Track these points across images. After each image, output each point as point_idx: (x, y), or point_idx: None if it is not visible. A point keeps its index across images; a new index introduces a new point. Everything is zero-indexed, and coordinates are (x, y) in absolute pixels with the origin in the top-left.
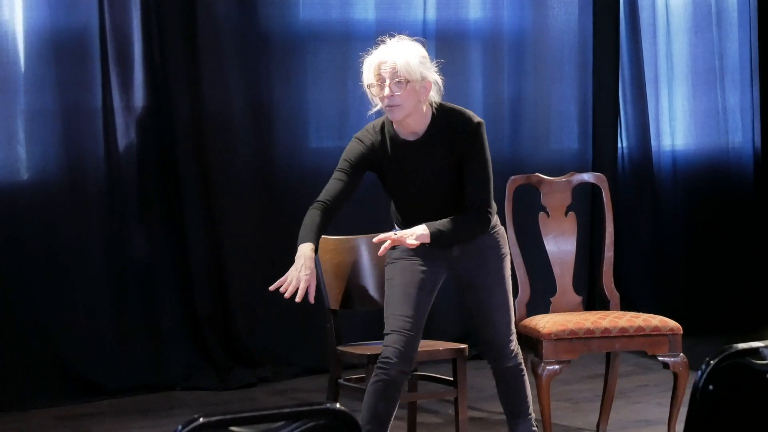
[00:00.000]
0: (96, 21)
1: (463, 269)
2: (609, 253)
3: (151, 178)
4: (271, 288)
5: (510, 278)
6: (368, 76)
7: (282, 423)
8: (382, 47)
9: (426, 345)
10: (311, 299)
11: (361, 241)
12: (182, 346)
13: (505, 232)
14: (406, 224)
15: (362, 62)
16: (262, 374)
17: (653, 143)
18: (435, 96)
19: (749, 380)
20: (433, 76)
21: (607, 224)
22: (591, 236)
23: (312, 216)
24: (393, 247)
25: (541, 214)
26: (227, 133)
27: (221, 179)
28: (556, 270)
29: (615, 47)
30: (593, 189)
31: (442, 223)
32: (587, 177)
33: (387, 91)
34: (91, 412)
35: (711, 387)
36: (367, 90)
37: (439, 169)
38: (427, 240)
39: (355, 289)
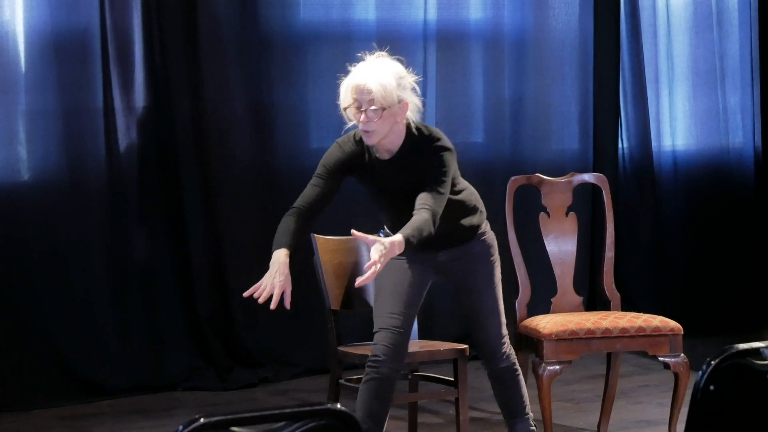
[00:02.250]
0: (97, 21)
1: (452, 274)
2: (610, 254)
3: (151, 179)
4: (245, 294)
5: (500, 282)
6: (345, 98)
7: (283, 423)
8: (359, 68)
9: (427, 345)
10: (287, 305)
11: (362, 242)
12: (183, 347)
13: (494, 236)
14: (391, 226)
15: (339, 84)
16: (262, 374)
17: (654, 143)
18: (412, 115)
19: (750, 380)
20: (411, 97)
21: (607, 225)
22: (591, 237)
23: (286, 222)
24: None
25: (542, 215)
26: (228, 134)
27: (222, 179)
28: (557, 270)
29: (616, 48)
30: (594, 189)
31: (410, 228)
32: (588, 177)
33: (363, 117)
34: (91, 412)
35: (712, 387)
36: (343, 112)
37: (411, 186)
38: (403, 248)
39: (355, 289)
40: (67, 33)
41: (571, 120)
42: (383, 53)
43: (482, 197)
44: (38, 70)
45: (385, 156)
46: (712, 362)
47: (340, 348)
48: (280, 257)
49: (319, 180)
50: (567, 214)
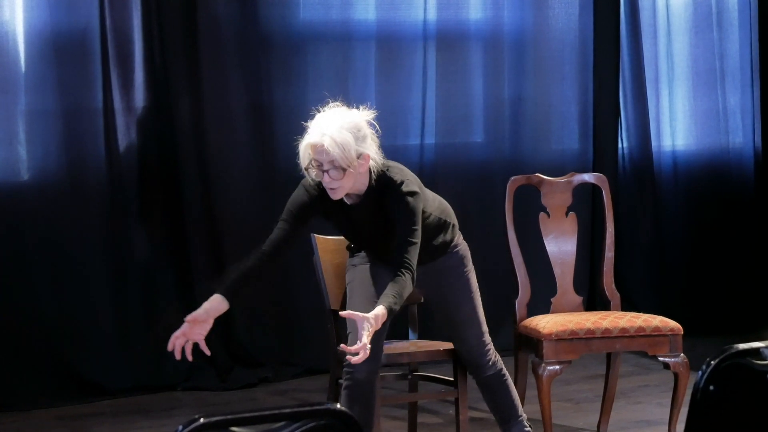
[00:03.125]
0: (97, 21)
1: (426, 288)
2: (609, 254)
3: (151, 179)
4: (168, 348)
5: (477, 292)
6: (304, 159)
7: (283, 423)
8: (314, 127)
9: (426, 345)
10: (205, 350)
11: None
12: (183, 346)
13: (467, 248)
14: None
15: (302, 140)
16: (262, 374)
17: (654, 143)
18: (377, 161)
19: (750, 380)
20: (371, 147)
21: (607, 224)
22: (591, 236)
23: (246, 263)
24: (352, 255)
25: (542, 215)
26: (228, 134)
27: (222, 179)
28: (557, 270)
29: (615, 47)
30: (594, 189)
31: (391, 295)
32: (588, 177)
33: (326, 177)
34: (91, 412)
35: (712, 387)
36: (305, 172)
37: (378, 226)
38: (386, 317)
39: None
40: (66, 33)
41: (571, 120)
42: (338, 103)
43: (482, 197)
44: (38, 70)
45: (350, 201)
46: (712, 362)
47: (340, 348)
48: (212, 305)
49: (284, 224)
50: (567, 214)
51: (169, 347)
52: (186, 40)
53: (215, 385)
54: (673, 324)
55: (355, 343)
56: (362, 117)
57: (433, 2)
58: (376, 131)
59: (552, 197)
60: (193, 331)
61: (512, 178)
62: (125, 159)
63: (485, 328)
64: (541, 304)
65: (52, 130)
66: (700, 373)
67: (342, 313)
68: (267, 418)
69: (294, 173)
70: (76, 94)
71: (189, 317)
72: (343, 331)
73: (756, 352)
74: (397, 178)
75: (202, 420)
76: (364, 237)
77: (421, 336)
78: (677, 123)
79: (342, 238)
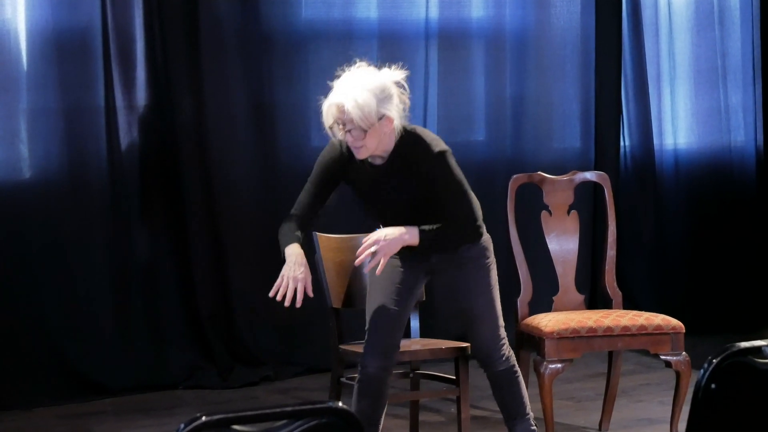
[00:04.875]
0: (98, 20)
1: (445, 277)
2: (611, 252)
3: (153, 177)
4: (271, 294)
5: (497, 285)
6: (327, 118)
7: (284, 422)
8: (338, 87)
9: (428, 344)
10: (310, 293)
11: (363, 240)
12: (184, 345)
13: (490, 239)
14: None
15: (320, 105)
16: (263, 373)
17: (655, 142)
18: (399, 124)
19: (751, 379)
20: (393, 110)
21: (609, 223)
22: (593, 235)
23: (288, 226)
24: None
25: (544, 213)
26: (229, 132)
27: (223, 178)
28: (559, 269)
29: (617, 46)
30: (595, 188)
31: (431, 227)
32: (589, 176)
33: (349, 136)
34: (93, 411)
35: (713, 386)
36: (329, 131)
37: (402, 192)
38: (416, 241)
39: (357, 287)
40: (68, 31)
41: (573, 118)
42: (363, 63)
43: (484, 196)
44: (40, 68)
45: (378, 162)
46: (714, 361)
47: (342, 346)
48: (294, 249)
49: (312, 186)
50: (569, 212)
51: (287, 301)
52: (188, 38)
53: (217, 383)
54: (674, 322)
55: (371, 339)
56: (390, 77)
57: (435, 1)
58: (405, 91)
59: (554, 196)
60: (307, 273)
61: (514, 176)
62: (127, 157)
63: (501, 322)
64: (542, 302)
65: (53, 129)
66: (701, 371)
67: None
68: (268, 417)
69: (296, 171)
70: (77, 92)
71: (300, 261)
72: (344, 329)
73: (757, 351)
74: (426, 138)
75: (203, 418)
76: (386, 202)
77: (423, 334)
78: (679, 121)
79: (343, 236)
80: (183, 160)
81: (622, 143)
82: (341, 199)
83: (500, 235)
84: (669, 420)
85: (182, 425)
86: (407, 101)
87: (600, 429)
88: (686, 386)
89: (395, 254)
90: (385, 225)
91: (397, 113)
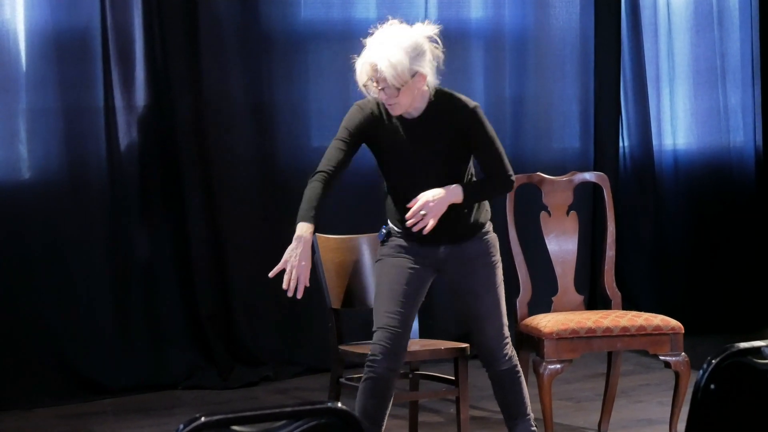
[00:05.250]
0: (98, 20)
1: (451, 274)
2: (610, 253)
3: (152, 177)
4: (271, 275)
5: (502, 284)
6: (361, 77)
7: (283, 422)
8: (371, 44)
9: (427, 344)
10: (306, 283)
11: (363, 240)
12: (184, 345)
13: (496, 238)
14: (401, 211)
15: (355, 62)
16: (263, 373)
17: (655, 142)
18: (432, 80)
19: (751, 379)
20: (426, 66)
21: (608, 223)
22: (592, 235)
23: (314, 189)
24: (383, 243)
25: (543, 214)
26: (229, 132)
27: (223, 178)
28: (558, 269)
29: (616, 46)
30: (595, 188)
31: (472, 183)
32: (589, 176)
33: (382, 94)
34: (92, 411)
35: (712, 386)
36: (363, 88)
37: (435, 147)
38: (460, 198)
39: (356, 288)
40: (67, 32)
41: (572, 119)
42: (396, 21)
43: None
44: (39, 68)
45: (410, 116)
46: (713, 361)
47: (341, 347)
48: (305, 233)
49: (342, 143)
50: (568, 212)
51: (290, 291)
52: (187, 38)
53: (216, 383)
54: (674, 323)
55: (381, 341)
56: (423, 33)
57: (434, 1)
58: (438, 45)
59: (553, 196)
60: (308, 267)
61: None
62: (126, 158)
63: (506, 321)
64: (542, 303)
65: (53, 129)
66: (701, 371)
67: (409, 219)
68: (268, 417)
69: (295, 171)
70: (77, 92)
71: (305, 254)
72: (344, 329)
73: (757, 351)
74: (459, 95)
75: (203, 419)
76: (418, 158)
77: (422, 335)
78: (678, 122)
79: (343, 236)
80: (182, 160)
81: (621, 144)
82: (341, 199)
83: (500, 235)
84: (668, 420)
85: (182, 425)
86: (440, 55)
87: (599, 429)
88: (685, 387)
89: (402, 251)
90: (414, 187)
91: (430, 69)
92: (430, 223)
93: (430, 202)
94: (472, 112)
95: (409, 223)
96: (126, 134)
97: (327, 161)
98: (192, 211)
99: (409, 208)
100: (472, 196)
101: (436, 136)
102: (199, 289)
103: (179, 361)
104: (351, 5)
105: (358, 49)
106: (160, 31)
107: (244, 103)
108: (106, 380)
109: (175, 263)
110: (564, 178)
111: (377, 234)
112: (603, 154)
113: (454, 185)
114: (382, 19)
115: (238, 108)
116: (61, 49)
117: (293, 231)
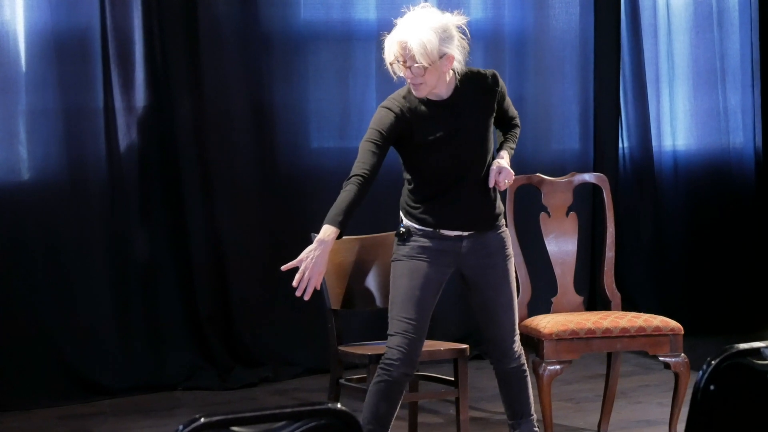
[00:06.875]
0: (97, 21)
1: (470, 268)
2: (610, 254)
3: (152, 179)
4: (283, 268)
5: (515, 279)
6: (389, 54)
7: (283, 423)
8: (402, 23)
9: (427, 345)
10: (318, 286)
11: (363, 242)
12: (183, 346)
13: (509, 233)
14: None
15: (383, 40)
16: (263, 374)
17: (654, 143)
18: (459, 65)
19: (750, 380)
20: (455, 49)
21: (608, 224)
22: (592, 236)
23: (348, 193)
24: (401, 243)
25: (542, 215)
26: (228, 133)
27: (222, 179)
28: (557, 270)
29: (616, 47)
30: (594, 189)
31: (508, 141)
32: (588, 177)
33: (409, 72)
34: (92, 411)
35: (712, 387)
36: (389, 66)
37: (471, 121)
38: (509, 157)
39: (356, 289)
40: (67, 32)
41: (572, 120)
42: (427, 4)
43: None
44: (39, 69)
45: (439, 98)
46: (713, 362)
47: (341, 348)
48: (327, 238)
49: (374, 145)
50: (567, 213)
51: (298, 291)
52: (187, 39)
53: (216, 384)
54: (673, 324)
55: (399, 346)
56: (453, 20)
57: (434, 2)
58: (466, 37)
59: (552, 197)
60: (322, 274)
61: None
62: (126, 158)
63: (517, 317)
64: (541, 303)
65: (52, 130)
66: (700, 372)
67: (496, 181)
68: (267, 418)
69: (295, 171)
70: (76, 93)
71: (321, 261)
72: (344, 331)
73: (756, 352)
74: (477, 69)
75: (202, 420)
76: (446, 145)
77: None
78: (678, 123)
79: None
80: (182, 160)
81: (621, 145)
82: None
83: None
84: (668, 421)
85: (181, 426)
86: (467, 46)
87: (599, 430)
88: (685, 387)
89: (422, 251)
90: (456, 168)
91: (459, 53)
92: (510, 178)
93: (504, 168)
94: (494, 76)
95: (490, 183)
96: (126, 135)
97: (362, 164)
98: (192, 211)
99: (441, 201)
100: (512, 149)
101: (470, 110)
102: (198, 290)
103: (179, 361)
104: (351, 6)
105: (358, 49)
106: (160, 31)
107: (244, 104)
108: (106, 381)
109: (174, 264)
110: (563, 179)
111: (383, 234)
112: (602, 155)
113: (502, 151)
114: (381, 20)
115: (238, 109)
116: (61, 50)
117: (293, 231)
